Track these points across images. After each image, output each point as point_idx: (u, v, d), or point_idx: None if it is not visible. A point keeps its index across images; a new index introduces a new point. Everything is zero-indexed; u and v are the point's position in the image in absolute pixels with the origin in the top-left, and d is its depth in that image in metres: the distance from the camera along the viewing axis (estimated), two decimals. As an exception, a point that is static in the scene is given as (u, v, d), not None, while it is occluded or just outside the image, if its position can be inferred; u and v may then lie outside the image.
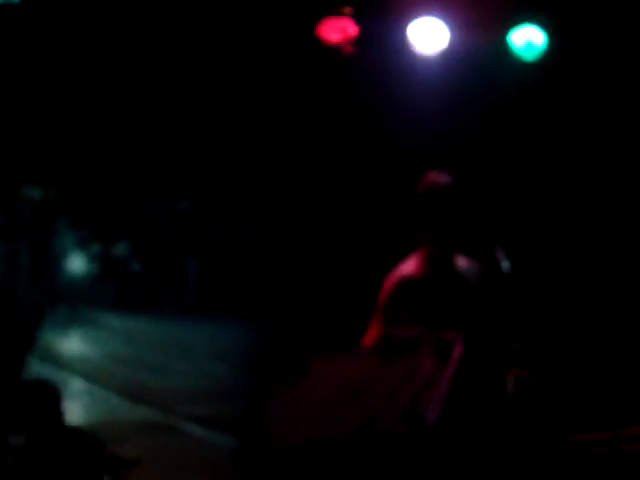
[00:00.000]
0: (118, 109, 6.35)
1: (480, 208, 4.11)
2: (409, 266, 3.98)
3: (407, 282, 3.93)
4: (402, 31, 5.74)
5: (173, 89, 6.20)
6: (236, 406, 6.87)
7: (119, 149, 6.66)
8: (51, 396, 4.91)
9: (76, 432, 5.13)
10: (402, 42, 5.71)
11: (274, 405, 3.56)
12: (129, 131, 6.52)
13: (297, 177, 6.40)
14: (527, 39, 5.69)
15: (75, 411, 7.72)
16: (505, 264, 3.96)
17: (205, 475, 6.70)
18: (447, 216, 3.94)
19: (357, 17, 5.83)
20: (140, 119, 6.43)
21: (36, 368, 7.63)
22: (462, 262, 4.03)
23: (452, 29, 5.70)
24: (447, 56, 5.76)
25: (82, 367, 7.82)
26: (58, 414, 4.90)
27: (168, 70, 6.12)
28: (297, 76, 6.05)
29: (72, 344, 7.92)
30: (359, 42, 5.81)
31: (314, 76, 6.00)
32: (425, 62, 5.79)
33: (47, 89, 6.12)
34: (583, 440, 4.26)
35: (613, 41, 5.73)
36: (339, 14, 5.83)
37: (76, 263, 8.10)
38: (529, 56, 5.75)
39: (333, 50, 5.80)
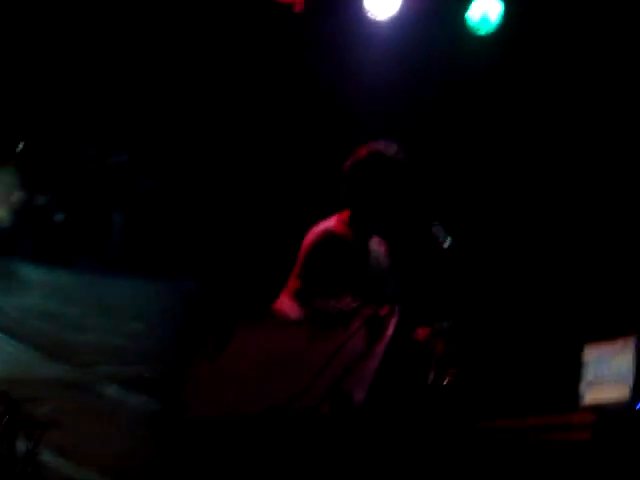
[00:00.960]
0: (57, 52, 6.10)
1: (424, 183, 4.00)
2: (333, 223, 3.89)
3: (333, 236, 3.88)
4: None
5: (119, 39, 5.97)
6: (155, 368, 6.70)
7: (54, 95, 6.40)
8: None
9: None
10: (355, 4, 5.54)
11: (194, 373, 3.36)
12: (68, 77, 6.26)
13: (229, 134, 6.20)
14: (483, 12, 5.58)
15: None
16: (445, 240, 3.86)
17: (120, 439, 6.51)
18: (390, 184, 3.85)
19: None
20: (80, 65, 6.20)
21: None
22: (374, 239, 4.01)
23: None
24: (399, 23, 5.61)
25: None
26: None
27: (114, 18, 5.90)
28: (247, 34, 5.85)
29: (-15, 295, 7.63)
30: (311, 1, 5.64)
31: (265, 35, 5.80)
32: (377, 27, 5.63)
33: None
34: (495, 426, 4.17)
35: (569, 15, 5.65)
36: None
37: (-5, 212, 7.77)
38: (483, 30, 5.64)
39: (285, 8, 5.61)
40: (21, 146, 6.91)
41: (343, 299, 3.57)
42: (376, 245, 4.11)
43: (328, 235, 3.90)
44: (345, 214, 4.00)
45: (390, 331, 3.25)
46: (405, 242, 4.17)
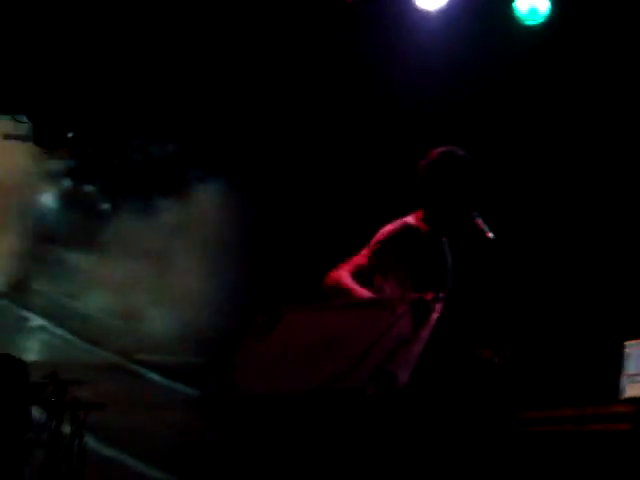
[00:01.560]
0: (107, 48, 6.20)
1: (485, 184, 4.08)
2: (409, 219, 3.97)
3: (409, 228, 3.97)
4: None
5: (168, 39, 6.06)
6: (202, 355, 6.78)
7: (102, 85, 6.50)
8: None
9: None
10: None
11: (242, 354, 3.43)
12: (115, 68, 6.36)
13: (286, 126, 6.26)
14: (531, 5, 5.60)
15: (33, 349, 7.57)
16: (490, 233, 3.93)
17: (166, 418, 6.60)
18: (462, 183, 3.94)
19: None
20: (130, 60, 6.29)
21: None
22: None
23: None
24: (449, 14, 5.65)
25: (43, 304, 7.67)
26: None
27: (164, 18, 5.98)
28: (298, 25, 5.90)
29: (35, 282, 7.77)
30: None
31: (316, 26, 5.86)
32: (426, 18, 5.67)
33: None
34: (536, 417, 4.21)
35: (615, 10, 5.65)
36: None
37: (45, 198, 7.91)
38: (532, 21, 5.66)
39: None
40: (70, 135, 7.02)
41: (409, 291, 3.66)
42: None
43: (405, 226, 4.03)
44: (420, 213, 4.10)
45: (435, 316, 3.31)
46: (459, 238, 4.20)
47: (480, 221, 3.97)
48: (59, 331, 7.62)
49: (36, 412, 5.82)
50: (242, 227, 6.86)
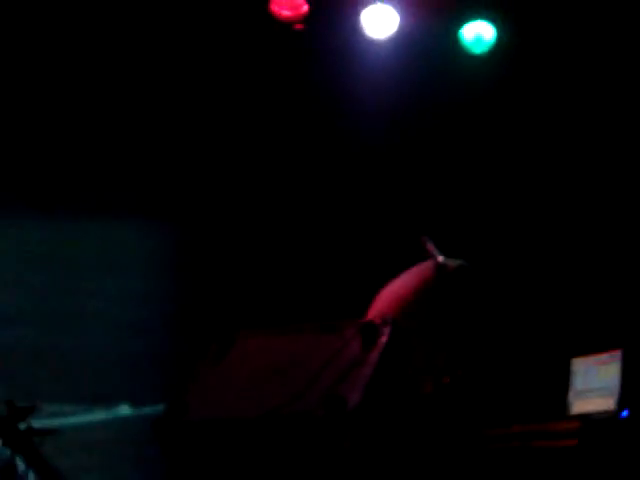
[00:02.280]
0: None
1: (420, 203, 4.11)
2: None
3: None
4: (355, 13, 5.71)
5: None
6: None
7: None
8: None
9: None
10: (353, 23, 5.68)
11: (195, 379, 3.49)
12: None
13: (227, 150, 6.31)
14: (477, 33, 5.73)
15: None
16: (439, 256, 3.99)
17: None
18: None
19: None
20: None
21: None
22: None
23: (403, 16, 5.68)
24: (397, 42, 5.76)
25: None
26: None
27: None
28: (247, 51, 5.97)
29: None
30: (310, 20, 5.77)
31: (265, 52, 5.94)
32: (375, 46, 5.78)
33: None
34: (498, 434, 4.30)
35: (563, 35, 5.80)
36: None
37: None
38: (478, 49, 5.79)
39: (284, 26, 5.75)
40: None
41: None
42: None
43: None
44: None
45: (384, 339, 3.39)
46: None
47: (431, 245, 4.04)
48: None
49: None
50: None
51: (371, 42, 5.80)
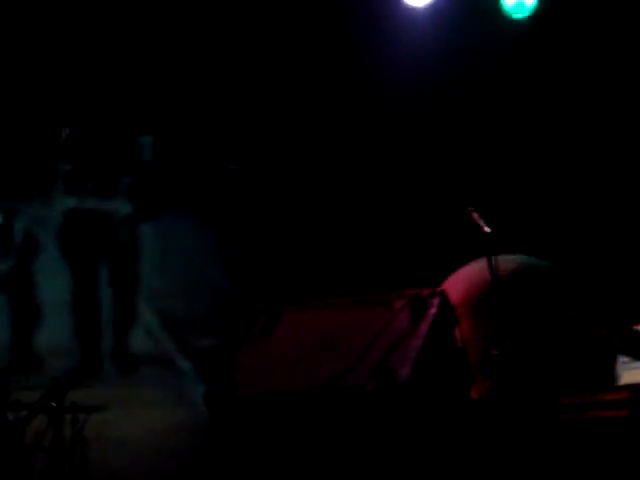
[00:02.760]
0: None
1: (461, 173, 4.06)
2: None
3: None
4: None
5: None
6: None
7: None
8: None
9: None
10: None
11: (244, 354, 3.48)
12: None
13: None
14: (518, -2, 5.63)
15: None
16: (486, 227, 3.96)
17: (165, 421, 6.61)
18: None
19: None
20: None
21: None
22: None
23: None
24: (436, 9, 5.66)
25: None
26: None
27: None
28: (285, 20, 5.89)
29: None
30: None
31: (303, 21, 5.86)
32: (414, 14, 5.69)
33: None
34: (536, 405, 4.26)
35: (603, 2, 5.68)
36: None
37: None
38: (519, 14, 5.69)
39: None
40: (65, 133, 6.93)
41: None
42: None
43: None
44: None
45: (434, 310, 3.36)
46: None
47: (476, 215, 3.99)
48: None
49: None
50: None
51: (410, 9, 5.71)
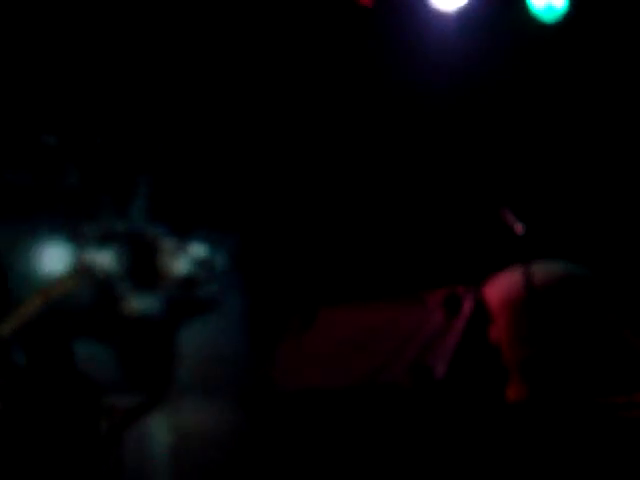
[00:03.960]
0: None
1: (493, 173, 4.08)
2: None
3: None
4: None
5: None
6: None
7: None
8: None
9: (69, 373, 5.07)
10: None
11: (280, 352, 3.51)
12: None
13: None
14: (547, 1, 5.64)
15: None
16: (517, 226, 3.96)
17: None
18: None
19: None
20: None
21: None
22: None
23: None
24: (464, 13, 5.69)
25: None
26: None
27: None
28: (310, 25, 5.93)
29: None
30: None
31: (327, 27, 5.90)
32: (442, 19, 5.72)
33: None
34: (583, 406, 4.25)
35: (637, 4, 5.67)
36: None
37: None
38: (549, 18, 5.69)
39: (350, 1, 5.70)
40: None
41: None
42: None
43: None
44: None
45: (468, 308, 3.38)
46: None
47: (511, 216, 3.99)
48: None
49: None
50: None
51: (438, 14, 5.74)
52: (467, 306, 3.42)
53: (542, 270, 4.04)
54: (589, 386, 4.56)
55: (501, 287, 4.18)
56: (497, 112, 5.89)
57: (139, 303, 3.18)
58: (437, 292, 3.53)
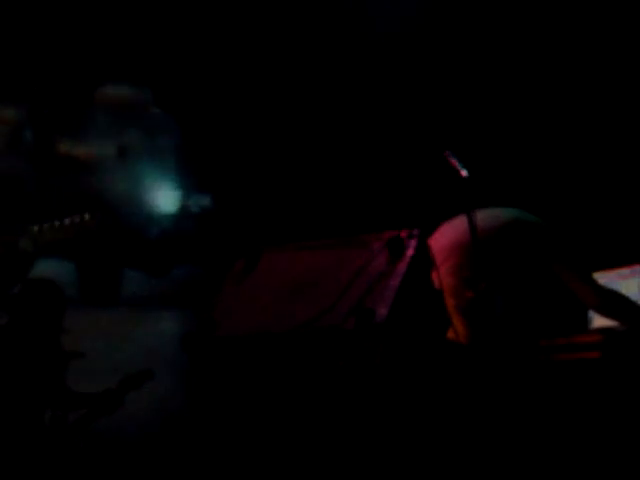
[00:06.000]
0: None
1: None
2: None
3: None
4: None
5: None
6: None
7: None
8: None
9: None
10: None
11: (223, 296, 3.50)
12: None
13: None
14: None
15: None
16: (462, 170, 3.96)
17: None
18: None
19: None
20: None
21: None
22: None
23: None
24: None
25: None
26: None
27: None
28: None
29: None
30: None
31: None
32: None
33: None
34: (509, 347, 4.31)
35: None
36: None
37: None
38: None
39: None
40: None
41: None
42: None
43: None
44: None
45: (411, 251, 3.39)
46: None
47: (454, 160, 3.99)
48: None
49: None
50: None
51: None
52: (410, 249, 3.42)
53: (487, 215, 4.06)
54: (530, 328, 4.63)
55: (446, 231, 4.21)
56: (441, 54, 5.81)
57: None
58: (381, 235, 3.53)
